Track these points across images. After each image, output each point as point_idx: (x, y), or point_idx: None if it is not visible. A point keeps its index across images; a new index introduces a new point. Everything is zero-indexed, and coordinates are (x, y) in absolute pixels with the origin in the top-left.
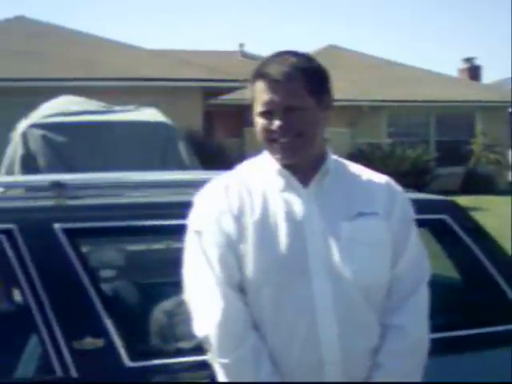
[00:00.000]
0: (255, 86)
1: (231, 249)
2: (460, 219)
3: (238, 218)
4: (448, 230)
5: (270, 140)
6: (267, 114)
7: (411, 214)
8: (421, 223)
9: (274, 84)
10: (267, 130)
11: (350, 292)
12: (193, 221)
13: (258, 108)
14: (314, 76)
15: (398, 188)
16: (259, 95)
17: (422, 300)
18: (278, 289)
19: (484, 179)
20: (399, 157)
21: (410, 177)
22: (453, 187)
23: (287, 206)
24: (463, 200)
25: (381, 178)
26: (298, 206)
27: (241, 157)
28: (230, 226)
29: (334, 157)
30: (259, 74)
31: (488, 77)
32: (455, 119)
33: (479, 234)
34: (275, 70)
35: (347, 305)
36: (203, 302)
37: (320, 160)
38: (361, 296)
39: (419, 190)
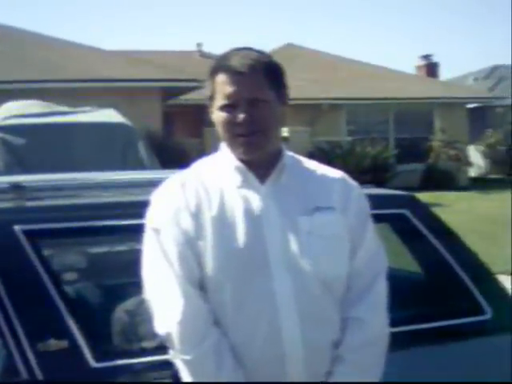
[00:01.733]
0: (216, 79)
1: (190, 246)
2: (420, 213)
3: (196, 215)
4: (408, 225)
5: (234, 134)
6: (230, 108)
7: (367, 209)
8: (381, 218)
9: (237, 76)
10: (230, 123)
11: (310, 285)
12: (150, 218)
13: (220, 101)
14: (274, 70)
15: (354, 183)
16: (221, 88)
17: (380, 293)
18: (238, 284)
19: (444, 175)
20: (359, 154)
21: (371, 174)
22: (413, 184)
23: (245, 202)
24: (423, 196)
25: (336, 174)
26: (256, 202)
27: (201, 157)
28: (187, 223)
29: (290, 153)
30: (220, 67)
31: (445, 74)
32: (414, 116)
33: (439, 228)
34: (238, 63)
35: (308, 298)
36: (163, 299)
37: (276, 156)
38: (321, 289)
39: (379, 186)
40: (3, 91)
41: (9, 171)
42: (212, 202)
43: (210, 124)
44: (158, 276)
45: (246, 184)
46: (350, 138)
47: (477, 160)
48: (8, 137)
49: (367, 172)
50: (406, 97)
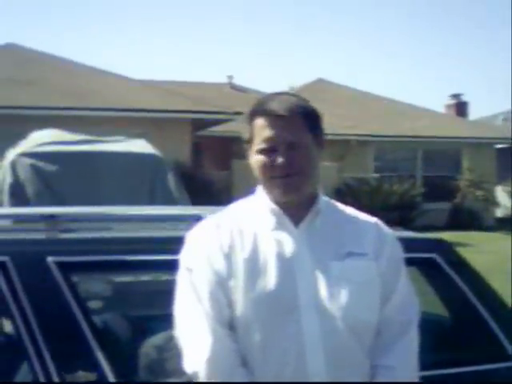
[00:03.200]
0: (255, 122)
1: (221, 286)
2: (449, 258)
3: (229, 256)
4: (437, 269)
5: (271, 177)
6: (268, 151)
7: (400, 256)
8: (410, 262)
9: (276, 120)
10: (269, 167)
11: (339, 329)
12: (184, 258)
13: (259, 145)
14: (312, 115)
15: (387, 229)
16: (260, 131)
17: (411, 341)
18: (267, 327)
19: (470, 215)
20: (386, 192)
21: (397, 212)
22: (439, 223)
23: (278, 244)
24: (449, 236)
25: (370, 219)
26: (289, 245)
27: (228, 189)
28: (220, 264)
29: (326, 198)
30: (258, 111)
31: (474, 113)
32: (442, 155)
33: (468, 272)
34: (277, 107)
35: (336, 342)
36: (193, 338)
37: (312, 200)
38: (349, 334)
39: (405, 225)
40: (35, 117)
41: (39, 198)
42: (245, 244)
43: (239, 156)
44: (189, 314)
45: (280, 226)
46: (377, 175)
47: (504, 201)
48: (40, 164)
49: (394, 209)
50: (434, 135)
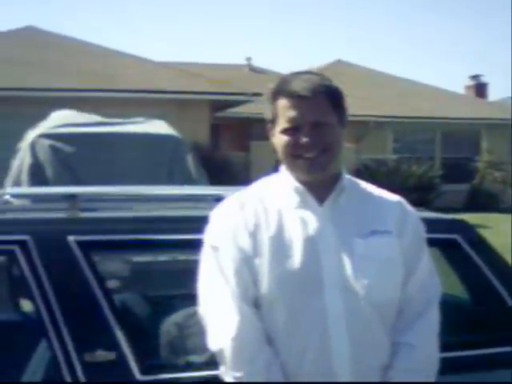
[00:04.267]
0: (278, 103)
1: (247, 264)
2: (471, 239)
3: (254, 234)
4: (459, 250)
5: (295, 156)
6: (292, 131)
7: (423, 235)
8: (431, 242)
9: (300, 100)
10: (293, 146)
11: (362, 307)
12: (209, 236)
13: (282, 125)
14: (335, 94)
15: (410, 208)
16: (283, 112)
17: (432, 320)
18: (292, 303)
19: (488, 197)
20: (404, 173)
21: (415, 193)
22: (457, 204)
23: (302, 222)
24: (468, 217)
25: (393, 198)
26: (313, 223)
27: (246, 170)
28: (245, 242)
29: (348, 176)
30: (282, 92)
31: (494, 94)
32: (461, 136)
33: (490, 253)
34: (301, 87)
35: (359, 320)
36: (218, 316)
37: (336, 178)
38: (373, 312)
39: (424, 206)
40: (55, 99)
41: (59, 178)
42: (270, 222)
43: (257, 138)
44: (214, 292)
45: (304, 205)
46: (395, 156)
47: None
48: (59, 144)
49: (412, 191)
50: (453, 117)
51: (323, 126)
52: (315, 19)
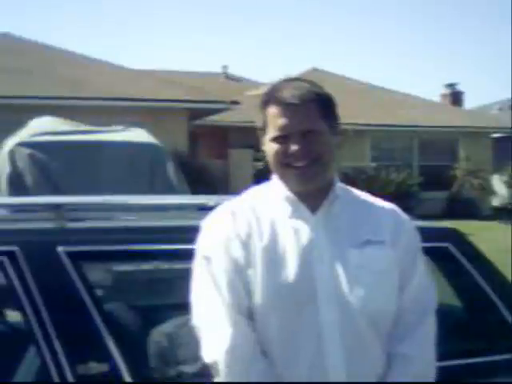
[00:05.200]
0: (268, 110)
1: (239, 274)
2: (462, 247)
3: (246, 244)
4: (450, 258)
5: (285, 164)
6: (282, 139)
7: (418, 244)
8: (423, 251)
9: (290, 108)
10: (282, 155)
11: (357, 319)
12: (201, 246)
13: (272, 133)
14: (326, 101)
15: (405, 216)
16: (273, 120)
17: (428, 330)
18: (285, 316)
19: (467, 204)
20: (383, 181)
21: (394, 201)
22: (436, 212)
23: (295, 232)
24: (448, 224)
25: (387, 206)
26: (306, 233)
27: (225, 178)
28: (238, 252)
29: (341, 184)
30: (271, 99)
31: (469, 103)
32: (438, 144)
33: (482, 262)
34: (290, 94)
35: (354, 331)
36: (212, 327)
37: (328, 187)
38: (367, 323)
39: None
40: (31, 107)
41: (38, 188)
42: (263, 232)
43: (235, 145)
44: (207, 303)
45: (296, 214)
46: (374, 164)
47: (500, 190)
48: (37, 153)
49: (391, 199)
50: (430, 125)
51: (313, 135)
52: (291, 28)
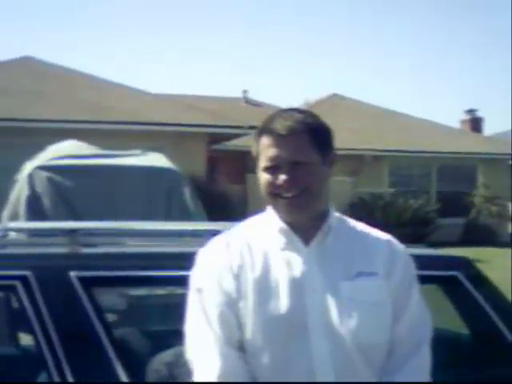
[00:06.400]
0: (261, 141)
1: (231, 307)
2: (472, 276)
3: (238, 277)
4: (459, 287)
5: (275, 194)
6: (272, 169)
7: (413, 274)
8: (432, 279)
9: (279, 139)
10: (272, 185)
11: (348, 350)
12: (194, 278)
13: (263, 163)
14: (319, 132)
15: (400, 247)
16: (264, 150)
17: (423, 361)
18: (277, 348)
19: (485, 231)
20: (400, 207)
21: (411, 227)
22: (453, 238)
23: (288, 264)
24: (464, 251)
25: (382, 236)
26: (299, 266)
27: (243, 203)
28: (229, 285)
29: (337, 214)
30: (264, 130)
31: (489, 129)
32: (457, 170)
33: (491, 291)
34: (280, 125)
35: (345, 362)
36: (203, 360)
37: (322, 217)
38: (359, 355)
39: (420, 240)
40: (51, 131)
41: (56, 211)
42: (255, 264)
43: (253, 170)
44: (199, 336)
45: (289, 246)
46: (391, 190)
47: None
48: (56, 177)
49: (408, 225)
50: (449, 151)
51: (303, 165)
52: (312, 52)
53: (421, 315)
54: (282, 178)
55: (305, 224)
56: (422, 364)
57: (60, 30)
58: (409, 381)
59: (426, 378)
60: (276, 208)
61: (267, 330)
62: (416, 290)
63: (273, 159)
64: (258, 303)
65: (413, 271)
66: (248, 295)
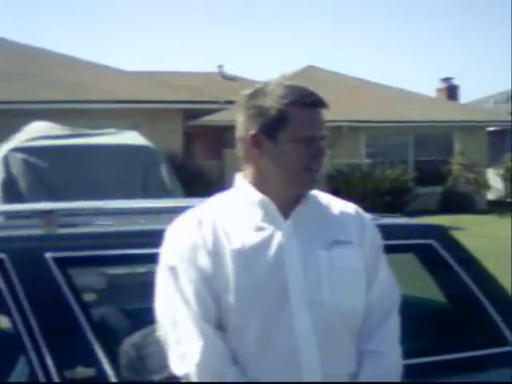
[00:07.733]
0: (293, 111)
1: (207, 284)
2: (447, 243)
3: (214, 253)
4: (434, 255)
5: (306, 168)
6: (307, 142)
7: (380, 242)
8: (407, 248)
9: (314, 112)
10: (307, 158)
11: (330, 319)
12: (165, 255)
13: (295, 135)
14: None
15: (367, 216)
16: (299, 122)
17: (394, 326)
18: (260, 321)
19: (462, 199)
20: (378, 177)
21: (389, 196)
22: (431, 206)
23: (267, 237)
24: (442, 220)
25: (350, 207)
26: (278, 237)
27: (221, 179)
28: (204, 262)
29: None
30: (295, 102)
31: (465, 97)
32: (433, 139)
33: (466, 258)
34: (318, 98)
35: (327, 332)
36: (181, 339)
37: None
38: (340, 322)
39: (398, 209)
40: (26, 112)
41: (31, 192)
42: (230, 236)
43: (230, 145)
44: (174, 315)
45: (268, 219)
46: (369, 161)
47: (496, 183)
48: (31, 158)
49: (386, 194)
50: (425, 120)
51: (324, 139)
52: (285, 25)
53: (390, 283)
54: (318, 150)
55: (284, 197)
56: (394, 329)
57: (32, 10)
58: (384, 345)
59: (397, 343)
60: (296, 179)
61: (248, 302)
62: (383, 259)
63: (311, 131)
64: (238, 272)
65: (380, 240)
66: (227, 266)
